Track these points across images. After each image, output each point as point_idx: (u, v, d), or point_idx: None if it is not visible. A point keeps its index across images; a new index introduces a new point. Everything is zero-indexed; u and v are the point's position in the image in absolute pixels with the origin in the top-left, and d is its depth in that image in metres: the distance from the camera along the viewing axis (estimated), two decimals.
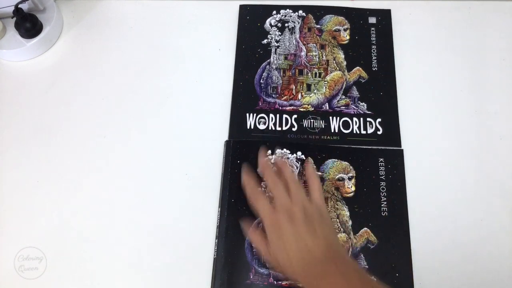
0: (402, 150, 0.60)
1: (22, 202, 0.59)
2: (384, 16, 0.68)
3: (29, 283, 0.55)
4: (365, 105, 0.63)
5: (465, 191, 0.58)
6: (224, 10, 0.70)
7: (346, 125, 0.62)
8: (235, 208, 0.57)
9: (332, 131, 0.61)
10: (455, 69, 0.65)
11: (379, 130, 0.61)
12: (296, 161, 0.59)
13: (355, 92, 0.64)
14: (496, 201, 0.57)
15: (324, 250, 0.46)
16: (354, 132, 0.62)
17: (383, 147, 0.60)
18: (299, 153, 0.60)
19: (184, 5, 0.71)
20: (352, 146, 0.60)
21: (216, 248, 0.56)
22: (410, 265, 0.54)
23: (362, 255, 0.55)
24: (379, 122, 0.62)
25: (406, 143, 0.60)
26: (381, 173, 0.59)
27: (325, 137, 0.61)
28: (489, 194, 0.58)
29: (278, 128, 0.62)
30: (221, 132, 0.62)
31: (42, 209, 0.59)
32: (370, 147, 0.60)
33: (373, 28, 0.68)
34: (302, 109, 0.63)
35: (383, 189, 0.58)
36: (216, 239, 0.56)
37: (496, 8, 0.69)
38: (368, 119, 0.62)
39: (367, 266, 0.55)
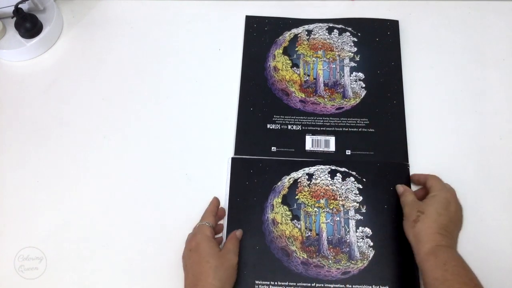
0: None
1: (22, 202, 0.59)
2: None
3: (29, 283, 0.55)
4: None
5: (465, 191, 0.57)
6: (224, 9, 0.70)
7: None
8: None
9: None
10: (455, 69, 0.65)
11: None
12: None
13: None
14: (496, 201, 0.57)
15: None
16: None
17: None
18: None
19: (184, 5, 0.71)
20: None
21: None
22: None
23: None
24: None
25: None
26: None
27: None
28: (489, 194, 0.58)
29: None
30: (222, 129, 0.62)
31: (42, 209, 0.59)
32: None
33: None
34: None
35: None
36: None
37: (496, 8, 0.69)
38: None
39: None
